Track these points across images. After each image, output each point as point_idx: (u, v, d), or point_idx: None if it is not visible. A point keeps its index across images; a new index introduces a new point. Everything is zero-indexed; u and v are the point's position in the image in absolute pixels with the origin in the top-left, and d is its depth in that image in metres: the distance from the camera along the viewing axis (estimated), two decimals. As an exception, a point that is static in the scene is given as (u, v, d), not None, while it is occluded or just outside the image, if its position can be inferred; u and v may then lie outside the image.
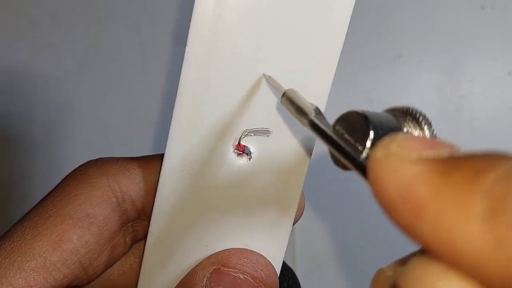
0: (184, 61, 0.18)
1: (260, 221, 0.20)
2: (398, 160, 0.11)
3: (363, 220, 0.38)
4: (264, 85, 0.19)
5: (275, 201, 0.19)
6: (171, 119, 0.18)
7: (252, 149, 0.19)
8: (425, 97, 0.39)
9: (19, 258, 0.18)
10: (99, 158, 0.20)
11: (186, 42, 0.18)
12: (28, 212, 0.19)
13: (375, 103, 0.39)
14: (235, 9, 0.18)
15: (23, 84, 0.42)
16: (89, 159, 0.20)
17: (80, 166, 0.20)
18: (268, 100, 0.19)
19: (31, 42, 0.42)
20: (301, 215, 0.21)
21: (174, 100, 0.18)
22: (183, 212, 0.19)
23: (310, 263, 0.40)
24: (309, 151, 0.19)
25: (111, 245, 0.19)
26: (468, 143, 0.38)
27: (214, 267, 0.18)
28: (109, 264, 0.20)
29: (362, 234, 0.38)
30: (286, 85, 0.17)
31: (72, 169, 0.20)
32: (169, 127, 0.19)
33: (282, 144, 0.19)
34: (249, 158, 0.19)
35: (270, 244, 0.20)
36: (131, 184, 0.19)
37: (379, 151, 0.11)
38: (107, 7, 0.41)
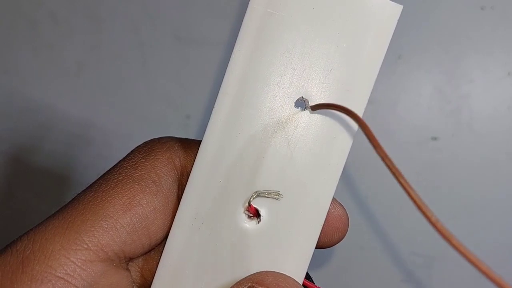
0: (210, 121, 0.18)
1: None
2: None
3: (362, 220, 0.38)
4: (282, 146, 0.19)
5: (280, 269, 0.19)
6: (190, 173, 0.19)
7: (262, 211, 0.19)
8: (425, 98, 0.39)
9: (91, 218, 0.18)
10: (162, 136, 0.21)
11: (214, 104, 0.18)
12: (95, 181, 0.19)
13: (375, 104, 0.39)
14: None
15: (22, 84, 0.42)
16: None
17: (144, 143, 0.20)
18: (281, 162, 0.19)
19: (31, 42, 0.42)
20: (342, 237, 0.21)
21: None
22: (188, 269, 0.19)
23: (310, 263, 0.40)
24: (320, 219, 0.19)
25: (171, 218, 0.19)
26: (468, 143, 0.38)
27: (249, 284, 0.18)
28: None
29: (362, 234, 0.38)
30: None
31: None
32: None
33: (292, 208, 0.19)
34: (258, 221, 0.19)
35: None
36: (189, 161, 0.19)
37: None
38: (107, 7, 0.41)
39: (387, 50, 0.40)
